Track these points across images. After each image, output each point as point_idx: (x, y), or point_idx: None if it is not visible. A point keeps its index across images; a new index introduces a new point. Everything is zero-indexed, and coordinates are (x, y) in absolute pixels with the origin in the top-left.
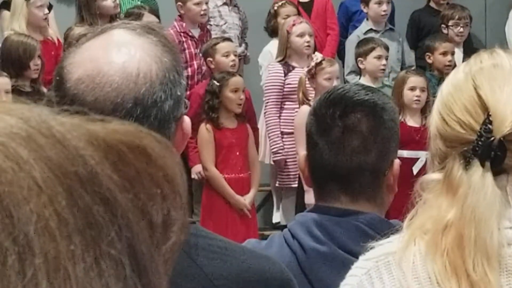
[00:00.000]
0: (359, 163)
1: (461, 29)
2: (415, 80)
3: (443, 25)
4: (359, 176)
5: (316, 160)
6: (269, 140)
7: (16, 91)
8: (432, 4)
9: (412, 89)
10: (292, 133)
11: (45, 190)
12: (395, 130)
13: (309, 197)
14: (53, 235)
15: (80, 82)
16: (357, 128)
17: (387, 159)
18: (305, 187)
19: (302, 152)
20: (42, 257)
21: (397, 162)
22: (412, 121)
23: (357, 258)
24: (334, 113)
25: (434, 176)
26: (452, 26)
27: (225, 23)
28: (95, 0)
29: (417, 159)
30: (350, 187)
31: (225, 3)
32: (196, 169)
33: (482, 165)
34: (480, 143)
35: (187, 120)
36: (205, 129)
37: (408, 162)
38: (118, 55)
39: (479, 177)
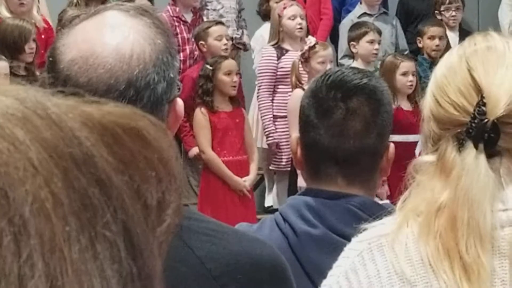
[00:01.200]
0: (361, 146)
1: (453, 13)
2: (407, 65)
3: (436, 11)
4: (359, 159)
5: (313, 142)
6: (262, 124)
7: (10, 74)
8: None
9: (405, 74)
10: (285, 116)
11: (41, 171)
12: (391, 114)
13: (302, 180)
14: (49, 216)
15: (73, 64)
16: (360, 111)
17: (385, 142)
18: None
19: (295, 134)
20: (37, 238)
21: (392, 145)
22: (405, 106)
23: (349, 240)
24: (336, 95)
25: (427, 158)
26: (444, 11)
27: (222, 7)
28: None
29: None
30: (349, 170)
31: None
32: (192, 152)
33: (476, 147)
34: (473, 125)
35: (180, 102)
36: (200, 113)
37: (411, 146)
38: (112, 37)
39: (472, 159)
